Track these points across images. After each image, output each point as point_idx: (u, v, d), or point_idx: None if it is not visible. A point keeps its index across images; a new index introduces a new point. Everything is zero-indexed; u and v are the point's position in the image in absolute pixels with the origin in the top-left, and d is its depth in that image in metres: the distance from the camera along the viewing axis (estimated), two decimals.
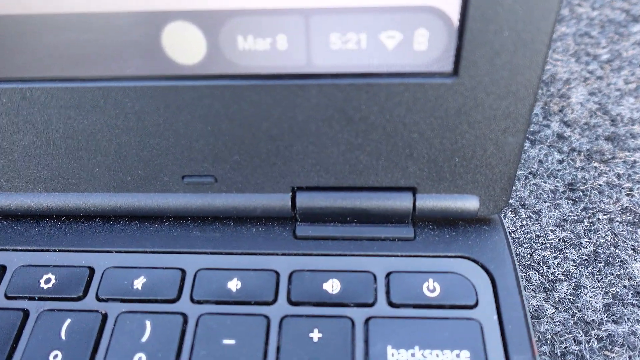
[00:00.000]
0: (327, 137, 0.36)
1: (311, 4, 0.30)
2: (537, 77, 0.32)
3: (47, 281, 0.38)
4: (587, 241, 0.45)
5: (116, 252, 0.40)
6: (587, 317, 0.41)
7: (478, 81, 0.32)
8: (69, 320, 0.36)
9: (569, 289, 0.42)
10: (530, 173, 0.50)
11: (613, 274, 0.43)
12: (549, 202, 0.48)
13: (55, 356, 0.35)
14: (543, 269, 0.43)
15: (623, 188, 0.49)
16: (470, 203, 0.38)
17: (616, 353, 0.39)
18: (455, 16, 0.30)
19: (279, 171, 0.38)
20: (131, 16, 0.31)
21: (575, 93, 0.58)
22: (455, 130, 0.35)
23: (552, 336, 0.40)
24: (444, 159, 0.36)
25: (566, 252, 0.44)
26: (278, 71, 0.33)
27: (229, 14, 0.31)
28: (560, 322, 0.41)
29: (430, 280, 0.37)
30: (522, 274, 0.43)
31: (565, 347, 0.40)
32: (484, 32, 0.30)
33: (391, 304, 0.36)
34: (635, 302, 0.41)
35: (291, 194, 0.39)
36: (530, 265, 0.43)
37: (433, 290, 0.36)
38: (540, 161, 0.51)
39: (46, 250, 0.40)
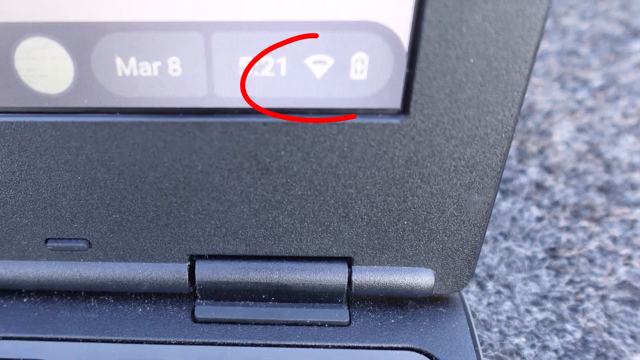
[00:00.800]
0: (234, 191, 0.35)
1: (213, 17, 0.30)
2: (512, 118, 0.31)
3: None
4: (574, 325, 0.44)
5: None
6: None
7: (434, 122, 0.32)
8: None
9: None
10: (500, 234, 0.50)
11: None
12: (525, 273, 0.47)
13: None
14: None
15: (620, 255, 0.48)
16: (422, 278, 0.38)
17: None
18: (405, 36, 0.30)
19: (172, 234, 0.37)
20: None
21: (559, 129, 0.58)
22: (404, 185, 0.34)
23: None
24: (389, 221, 0.36)
25: (546, 340, 0.44)
26: (169, 104, 0.32)
27: (104, 29, 0.30)
28: None
29: None
30: None
31: None
32: (443, 58, 0.30)
33: None
34: None
35: (189, 263, 0.39)
36: (500, 357, 0.43)
37: None
38: (513, 218, 0.51)
39: None
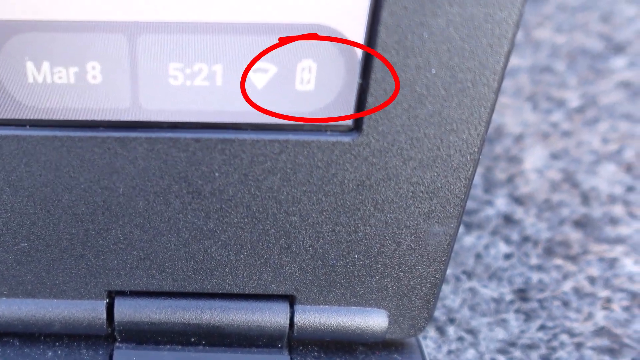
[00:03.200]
0: (161, 217, 0.35)
1: (139, 16, 0.29)
2: (478, 138, 0.31)
3: None
4: None
5: None
6: None
7: (390, 141, 0.31)
8: None
9: None
10: (463, 272, 0.50)
11: None
12: (490, 317, 0.47)
13: None
14: None
15: (598, 298, 0.48)
16: (374, 320, 0.37)
17: None
18: (358, 42, 0.30)
19: (88, 267, 0.36)
20: None
21: (530, 155, 0.58)
22: (354, 213, 0.34)
23: None
24: (337, 255, 0.36)
25: None
26: (87, 117, 0.32)
27: (13, 28, 0.30)
28: None
29: None
30: None
31: None
32: (401, 67, 0.30)
33: None
34: None
35: (107, 300, 0.38)
36: None
37: None
38: (478, 255, 0.51)
39: None
